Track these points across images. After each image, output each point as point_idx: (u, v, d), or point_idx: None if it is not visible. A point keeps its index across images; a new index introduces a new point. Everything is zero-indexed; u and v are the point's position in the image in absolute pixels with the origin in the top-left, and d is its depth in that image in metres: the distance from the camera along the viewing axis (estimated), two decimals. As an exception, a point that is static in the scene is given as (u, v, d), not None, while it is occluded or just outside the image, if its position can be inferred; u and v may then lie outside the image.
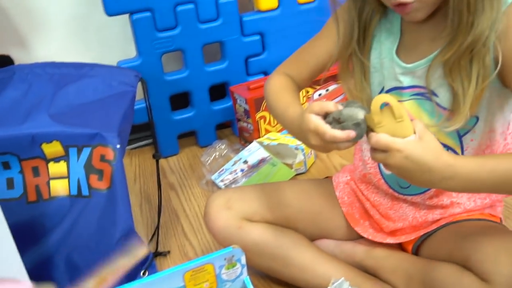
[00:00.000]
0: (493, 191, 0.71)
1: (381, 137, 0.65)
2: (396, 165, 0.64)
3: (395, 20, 0.82)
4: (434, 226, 0.85)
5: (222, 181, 1.36)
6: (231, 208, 0.92)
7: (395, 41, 0.81)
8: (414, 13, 0.73)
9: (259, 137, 1.51)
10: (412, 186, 0.86)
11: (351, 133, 0.66)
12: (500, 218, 0.87)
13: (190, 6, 1.43)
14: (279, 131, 1.53)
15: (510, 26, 0.69)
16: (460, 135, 0.79)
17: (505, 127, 0.80)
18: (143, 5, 1.38)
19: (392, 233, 0.90)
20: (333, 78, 1.51)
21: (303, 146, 1.38)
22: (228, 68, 1.55)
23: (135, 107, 1.19)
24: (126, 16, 1.40)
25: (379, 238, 0.90)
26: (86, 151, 0.95)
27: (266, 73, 1.62)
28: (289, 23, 1.56)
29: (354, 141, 0.68)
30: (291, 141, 1.41)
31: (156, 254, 1.11)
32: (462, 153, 0.80)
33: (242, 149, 1.46)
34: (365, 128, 0.67)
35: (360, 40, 0.82)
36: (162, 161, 1.55)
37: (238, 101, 1.52)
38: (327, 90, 1.57)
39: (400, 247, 0.91)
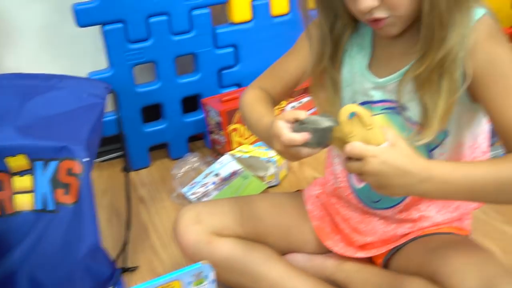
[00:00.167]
0: (468, 197, 0.71)
1: (355, 145, 0.65)
2: (374, 171, 0.64)
3: (366, 35, 0.82)
4: (403, 240, 0.86)
5: (193, 194, 1.35)
6: (200, 223, 0.91)
7: (366, 55, 0.82)
8: (388, 28, 0.73)
9: (232, 149, 1.50)
10: (382, 201, 0.86)
11: (307, 136, 0.67)
12: (468, 231, 0.88)
13: (163, 17, 1.42)
14: (251, 144, 1.52)
15: (478, 42, 0.70)
16: (429, 149, 0.80)
17: (473, 141, 0.81)
18: (115, 17, 1.36)
19: (362, 247, 0.90)
20: (307, 91, 1.51)
21: (275, 158, 1.38)
22: (201, 80, 1.55)
23: (106, 119, 1.17)
24: (98, 26, 1.38)
25: (349, 252, 0.90)
26: (52, 165, 0.93)
27: (239, 86, 1.61)
28: (263, 35, 1.57)
29: (313, 147, 0.69)
30: (263, 154, 1.41)
31: (124, 270, 1.09)
32: (432, 167, 0.80)
33: (214, 161, 1.44)
34: (327, 137, 0.68)
35: (332, 55, 0.82)
36: (132, 174, 1.52)
37: (210, 113, 1.51)
38: (300, 103, 1.58)
39: (370, 261, 0.91)
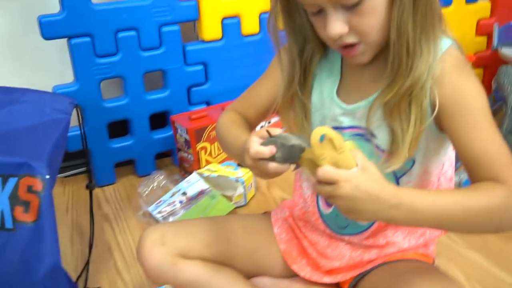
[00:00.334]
0: (434, 226, 0.71)
1: (328, 169, 0.65)
2: (346, 195, 0.64)
3: (335, 61, 0.83)
4: (369, 266, 0.85)
5: (159, 213, 1.32)
6: (165, 244, 0.89)
7: (335, 81, 0.82)
8: (359, 56, 0.74)
9: (200, 168, 1.48)
10: (349, 227, 0.86)
11: (274, 150, 0.67)
12: (433, 257, 0.89)
13: (132, 33, 1.41)
14: (220, 163, 1.51)
15: (445, 72, 0.71)
16: (397, 177, 0.80)
17: (439, 169, 0.82)
18: (82, 30, 1.34)
19: (329, 272, 0.89)
20: (277, 111, 1.52)
21: (244, 178, 1.37)
22: (170, 96, 1.53)
23: (71, 134, 1.14)
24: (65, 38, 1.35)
25: (316, 277, 0.89)
26: (12, 181, 0.89)
27: (208, 103, 1.61)
28: (233, 54, 1.57)
29: (280, 162, 0.68)
30: (232, 173, 1.40)
31: (85, 291, 1.06)
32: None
33: (181, 180, 1.42)
34: (295, 155, 0.67)
35: (301, 80, 0.82)
36: (97, 191, 1.49)
37: (179, 130, 1.50)
38: (269, 122, 1.58)
39: (337, 286, 0.91)
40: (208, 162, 1.50)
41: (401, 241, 0.85)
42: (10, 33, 1.47)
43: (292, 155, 0.68)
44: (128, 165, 1.58)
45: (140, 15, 1.40)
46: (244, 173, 1.39)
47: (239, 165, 1.43)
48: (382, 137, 0.76)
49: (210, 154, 1.50)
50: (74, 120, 1.09)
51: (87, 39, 1.35)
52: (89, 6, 1.33)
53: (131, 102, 1.47)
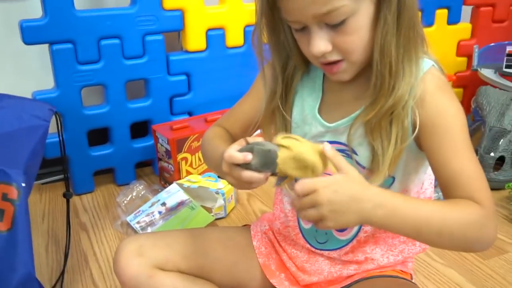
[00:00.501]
0: (412, 232, 0.70)
1: (305, 180, 0.65)
2: (327, 200, 0.64)
3: (317, 78, 0.83)
4: (348, 281, 0.85)
5: (138, 223, 1.31)
6: (142, 256, 0.87)
7: (317, 99, 0.82)
8: (341, 74, 0.74)
9: (180, 178, 1.47)
10: (329, 242, 0.86)
11: (249, 156, 0.67)
12: (411, 274, 0.89)
13: (115, 41, 1.40)
14: (200, 174, 1.50)
15: (426, 92, 0.72)
16: (376, 193, 0.80)
17: (419, 187, 0.82)
18: (64, 36, 1.33)
19: (307, 286, 0.89)
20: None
21: (224, 190, 1.36)
22: (152, 106, 1.52)
23: (49, 140, 1.12)
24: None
25: (294, 291, 0.89)
26: (-14, 189, 0.87)
27: (190, 114, 1.60)
28: (216, 65, 1.57)
29: (256, 170, 0.68)
30: (212, 185, 1.39)
31: (59, 301, 1.04)
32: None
33: (161, 190, 1.41)
34: (270, 161, 0.67)
35: (282, 95, 0.82)
36: (75, 199, 1.47)
37: (160, 140, 1.49)
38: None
39: (315, 301, 0.90)
40: (188, 173, 1.49)
41: (379, 257, 0.85)
42: (-11, 37, 1.45)
43: (268, 161, 0.68)
44: (107, 174, 1.56)
45: (124, 23, 1.40)
46: (224, 185, 1.38)
47: (220, 176, 1.42)
48: (362, 154, 0.77)
49: (190, 164, 1.49)
50: (53, 127, 1.08)
51: (69, 45, 1.34)
52: (72, 12, 1.32)
53: (112, 110, 1.46)
